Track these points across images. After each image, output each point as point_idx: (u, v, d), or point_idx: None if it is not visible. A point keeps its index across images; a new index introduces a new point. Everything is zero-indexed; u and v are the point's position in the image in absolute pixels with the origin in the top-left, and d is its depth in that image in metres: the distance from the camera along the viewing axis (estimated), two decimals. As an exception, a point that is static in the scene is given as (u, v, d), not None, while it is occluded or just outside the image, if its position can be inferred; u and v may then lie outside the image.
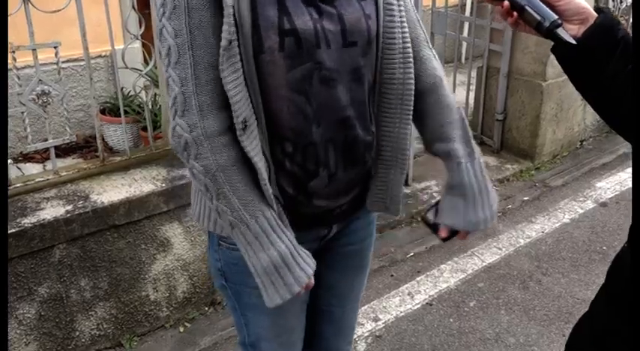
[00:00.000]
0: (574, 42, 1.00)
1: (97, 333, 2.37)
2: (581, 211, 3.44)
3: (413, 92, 1.25)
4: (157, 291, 2.49)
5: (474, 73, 4.15)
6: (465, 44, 5.17)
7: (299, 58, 1.11)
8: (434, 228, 1.37)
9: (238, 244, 1.17)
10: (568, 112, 4.02)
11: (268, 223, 1.15)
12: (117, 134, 3.80)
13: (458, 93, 4.21)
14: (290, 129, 1.15)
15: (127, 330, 2.46)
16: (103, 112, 3.85)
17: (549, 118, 3.90)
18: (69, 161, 3.81)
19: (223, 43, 1.04)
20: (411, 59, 1.25)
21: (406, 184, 3.59)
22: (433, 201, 1.44)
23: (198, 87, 1.07)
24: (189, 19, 1.05)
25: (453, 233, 1.35)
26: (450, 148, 1.31)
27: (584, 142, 4.30)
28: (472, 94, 4.20)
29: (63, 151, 3.88)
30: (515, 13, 1.05)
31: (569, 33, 1.01)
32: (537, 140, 3.91)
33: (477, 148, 1.34)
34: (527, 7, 1.03)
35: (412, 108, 1.27)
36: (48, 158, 3.55)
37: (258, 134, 1.13)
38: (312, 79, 1.13)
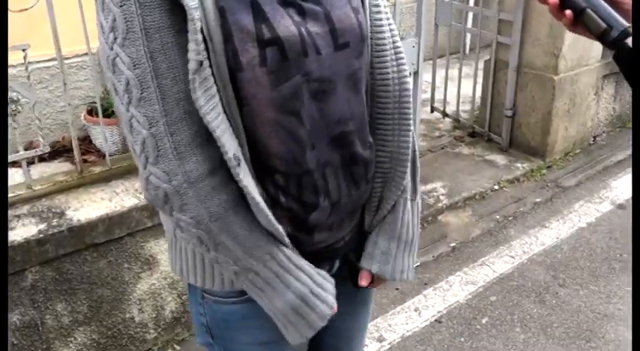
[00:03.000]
0: None
1: (78, 360, 2.18)
2: (597, 214, 3.23)
3: (410, 93, 1.07)
4: (142, 312, 2.29)
5: (480, 65, 3.93)
6: (469, 35, 4.95)
7: (285, 72, 0.90)
8: (353, 273, 1.19)
9: (248, 291, 0.99)
10: (581, 107, 3.81)
11: (280, 266, 0.97)
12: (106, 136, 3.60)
13: (463, 86, 4.01)
14: (280, 158, 0.95)
15: (111, 355, 2.26)
16: (90, 112, 3.65)
17: (561, 114, 3.69)
18: (54, 166, 3.61)
19: (192, 65, 0.83)
20: (403, 55, 1.07)
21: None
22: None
23: (171, 125, 0.86)
24: (147, 42, 0.83)
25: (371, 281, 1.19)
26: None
27: (597, 138, 4.08)
28: (478, 87, 3.98)
29: (49, 155, 3.68)
30: (568, 12, 0.83)
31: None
32: (548, 137, 3.70)
33: (419, 188, 1.19)
34: (588, 11, 0.82)
35: (411, 112, 1.09)
36: (32, 162, 3.36)
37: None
38: (302, 95, 0.93)
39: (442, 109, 4.17)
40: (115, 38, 0.83)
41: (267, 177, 0.97)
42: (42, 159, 3.13)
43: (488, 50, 3.90)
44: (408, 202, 1.15)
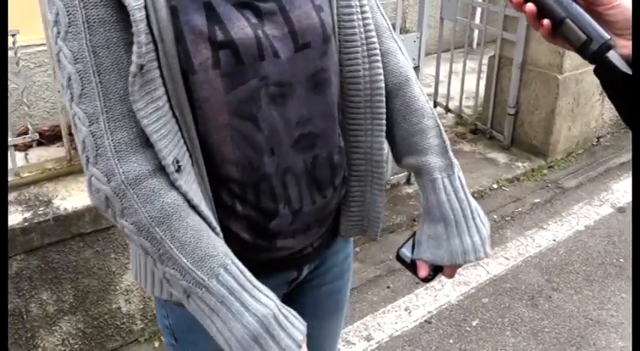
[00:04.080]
0: (629, 71, 0.74)
1: (63, 349, 2.17)
2: (596, 217, 3.18)
3: (383, 92, 1.02)
4: (129, 302, 2.27)
5: (485, 61, 3.87)
6: (476, 30, 4.88)
7: (240, 75, 0.86)
8: (412, 267, 1.11)
9: (200, 318, 0.89)
10: (585, 107, 3.75)
11: (235, 280, 0.87)
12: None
13: (467, 82, 3.95)
14: (236, 164, 0.91)
15: (97, 345, 2.25)
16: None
17: (565, 114, 3.63)
18: (52, 150, 3.59)
19: (132, 68, 0.79)
20: (377, 51, 1.01)
21: (408, 182, 3.35)
22: (408, 233, 1.17)
23: (111, 122, 0.82)
24: (90, 36, 0.79)
25: (437, 270, 1.10)
26: (423, 162, 1.06)
27: (601, 139, 4.02)
28: (482, 83, 3.93)
29: (47, 139, 3.66)
30: (546, 22, 0.79)
31: (620, 52, 0.76)
32: (551, 137, 3.65)
33: (455, 161, 1.08)
34: (568, 21, 0.76)
35: (384, 112, 1.03)
36: (30, 146, 3.34)
37: (194, 176, 0.89)
38: (259, 100, 0.89)
39: (445, 104, 4.12)
40: (59, 32, 0.80)
41: (222, 185, 0.93)
42: (40, 143, 3.10)
43: (493, 46, 3.84)
44: (439, 181, 1.05)
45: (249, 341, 0.85)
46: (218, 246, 0.88)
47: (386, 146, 1.10)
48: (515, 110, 3.73)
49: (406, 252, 1.12)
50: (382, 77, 1.01)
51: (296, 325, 0.91)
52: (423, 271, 1.09)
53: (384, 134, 1.05)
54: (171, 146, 0.84)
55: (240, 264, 0.90)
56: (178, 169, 0.85)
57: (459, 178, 1.07)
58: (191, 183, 0.87)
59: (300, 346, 0.89)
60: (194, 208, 0.87)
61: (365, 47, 1.00)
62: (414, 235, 1.13)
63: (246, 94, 0.88)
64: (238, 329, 0.85)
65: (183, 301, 0.89)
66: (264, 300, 0.88)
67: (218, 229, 0.91)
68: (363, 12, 1.00)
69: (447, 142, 1.08)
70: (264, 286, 0.91)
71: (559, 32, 0.78)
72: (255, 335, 0.85)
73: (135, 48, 0.78)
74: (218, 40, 0.84)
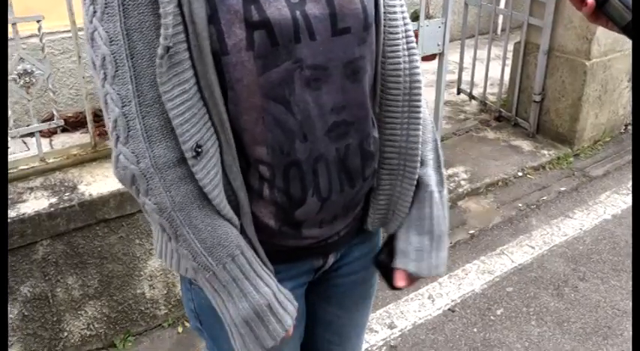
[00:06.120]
0: None
1: (88, 333, 2.19)
2: (624, 206, 3.12)
3: (421, 85, 1.02)
4: (153, 288, 2.29)
5: (510, 47, 3.81)
6: (501, 15, 4.80)
7: (274, 57, 0.85)
8: (388, 274, 1.12)
9: (205, 291, 0.96)
10: (613, 94, 3.67)
11: (240, 270, 0.93)
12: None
13: (492, 68, 3.90)
14: (267, 147, 0.91)
15: (121, 329, 2.27)
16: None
17: (592, 101, 3.56)
18: (76, 137, 3.62)
19: (159, 50, 0.79)
20: (414, 44, 1.01)
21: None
22: (382, 240, 1.21)
23: (143, 107, 0.83)
24: (124, 19, 0.80)
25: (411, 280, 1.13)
26: (422, 173, 1.08)
27: (628, 127, 3.94)
28: (507, 70, 3.86)
29: (71, 126, 3.69)
30: (590, 0, 0.76)
31: None
32: (577, 124, 3.58)
33: (444, 177, 1.12)
34: None
35: (422, 105, 1.03)
36: (55, 133, 3.37)
37: (218, 161, 0.89)
38: (292, 83, 0.87)
39: (469, 91, 4.07)
40: (95, 12, 0.81)
41: (251, 167, 0.93)
42: (65, 129, 3.12)
43: (518, 32, 3.78)
44: (435, 195, 1.09)
45: (242, 322, 0.95)
46: (231, 236, 0.93)
47: None
48: (541, 97, 3.67)
49: (386, 259, 1.12)
50: (420, 70, 1.01)
51: (288, 310, 0.98)
52: (402, 282, 1.11)
53: (420, 128, 1.04)
54: (194, 130, 0.85)
55: (250, 255, 0.94)
56: (197, 155, 0.85)
57: (446, 194, 1.12)
58: (210, 169, 0.88)
59: (286, 330, 0.98)
60: (206, 195, 0.88)
61: (405, 40, 0.99)
62: (390, 240, 1.14)
63: (280, 77, 0.86)
64: (234, 311, 0.94)
65: (192, 276, 0.96)
66: (262, 290, 0.94)
67: (234, 219, 0.93)
68: (401, 5, 1.00)
69: (442, 158, 1.12)
70: (268, 275, 0.97)
71: (603, 11, 0.76)
72: (248, 319, 0.94)
73: (162, 30, 0.78)
74: (253, 20, 0.83)
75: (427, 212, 1.08)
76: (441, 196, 1.10)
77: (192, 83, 0.83)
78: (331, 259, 1.12)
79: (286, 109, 0.88)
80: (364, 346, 2.16)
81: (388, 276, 1.12)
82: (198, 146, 0.85)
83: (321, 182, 0.95)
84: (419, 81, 1.00)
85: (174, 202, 0.87)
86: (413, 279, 1.12)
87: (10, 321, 2.00)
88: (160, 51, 0.79)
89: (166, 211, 0.88)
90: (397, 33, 0.98)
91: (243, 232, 0.95)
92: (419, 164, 1.06)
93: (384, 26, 0.97)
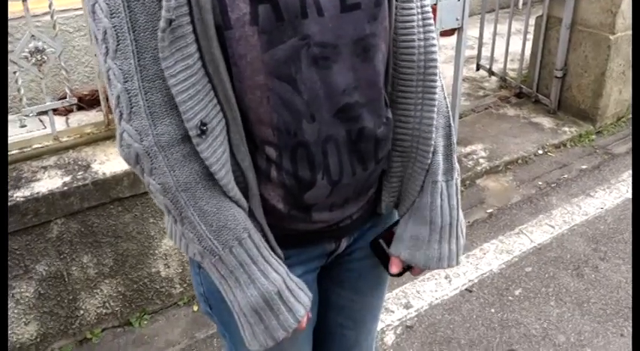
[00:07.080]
0: None
1: (104, 311, 2.20)
2: (647, 185, 3.05)
3: (437, 64, 0.97)
4: (168, 267, 2.29)
5: (532, 21, 3.71)
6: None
7: (279, 33, 0.82)
8: (384, 259, 1.10)
9: (211, 276, 0.93)
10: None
11: (247, 254, 0.89)
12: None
13: (512, 43, 3.80)
14: (273, 128, 0.87)
15: (137, 308, 2.27)
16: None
17: (616, 76, 3.46)
18: (92, 115, 3.62)
19: (161, 23, 0.76)
20: (431, 21, 0.96)
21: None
22: (387, 225, 1.16)
23: (146, 82, 0.80)
24: None
25: (407, 267, 1.10)
26: (430, 162, 1.03)
27: (653, 103, 3.84)
28: (528, 45, 3.77)
29: (87, 104, 3.68)
30: None
31: None
32: (600, 100, 3.49)
33: (457, 166, 1.06)
34: None
35: (437, 85, 0.98)
36: (71, 111, 3.36)
37: (225, 140, 0.86)
38: (299, 60, 0.84)
39: (488, 67, 3.98)
40: None
41: (258, 148, 0.90)
42: (81, 107, 3.11)
43: (540, 5, 3.67)
44: (439, 185, 1.03)
45: (250, 311, 0.91)
46: (239, 218, 0.89)
47: None
48: (563, 73, 3.58)
49: (383, 243, 1.10)
50: (437, 48, 0.96)
51: (301, 299, 0.94)
52: (395, 268, 1.08)
53: (435, 109, 0.99)
54: (198, 108, 0.82)
55: (257, 238, 0.91)
56: (203, 133, 0.82)
57: (455, 184, 1.06)
58: (217, 147, 0.85)
59: (299, 321, 0.94)
60: (212, 175, 0.85)
61: (420, 16, 0.94)
62: (392, 225, 1.11)
63: (286, 54, 0.83)
64: (242, 298, 0.90)
65: (199, 260, 0.93)
66: (272, 275, 0.90)
67: (242, 200, 0.90)
68: None
69: (454, 146, 1.06)
70: (277, 261, 0.93)
71: None
72: (257, 307, 0.90)
73: (164, 2, 0.75)
74: None
75: (428, 201, 1.04)
76: (448, 186, 1.04)
77: (195, 58, 0.80)
78: (344, 243, 1.09)
79: (292, 88, 0.85)
80: (380, 325, 2.14)
81: (384, 261, 1.10)
82: (203, 124, 0.82)
83: (332, 165, 0.92)
84: (435, 60, 0.96)
85: (178, 181, 0.84)
86: (417, 269, 1.09)
87: (26, 299, 2.01)
88: (162, 24, 0.76)
89: (170, 191, 0.85)
90: (411, 8, 0.93)
91: (251, 215, 0.92)
92: (432, 148, 1.01)
93: (397, 1, 0.92)
